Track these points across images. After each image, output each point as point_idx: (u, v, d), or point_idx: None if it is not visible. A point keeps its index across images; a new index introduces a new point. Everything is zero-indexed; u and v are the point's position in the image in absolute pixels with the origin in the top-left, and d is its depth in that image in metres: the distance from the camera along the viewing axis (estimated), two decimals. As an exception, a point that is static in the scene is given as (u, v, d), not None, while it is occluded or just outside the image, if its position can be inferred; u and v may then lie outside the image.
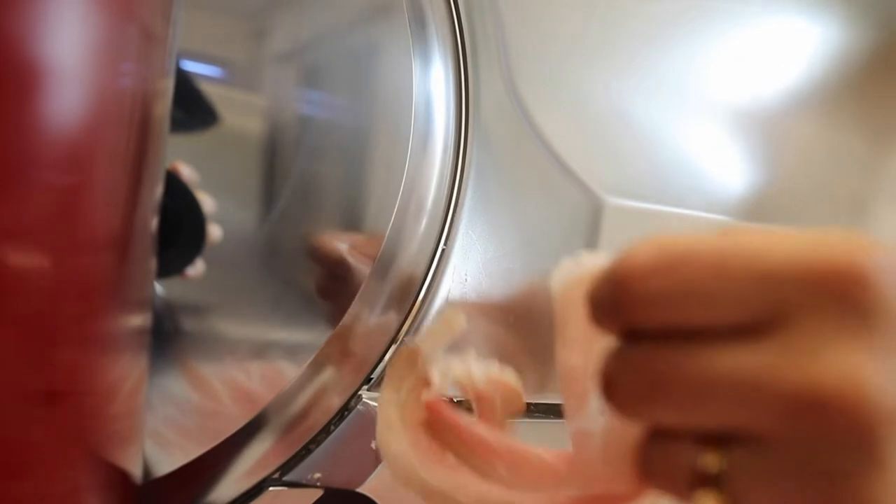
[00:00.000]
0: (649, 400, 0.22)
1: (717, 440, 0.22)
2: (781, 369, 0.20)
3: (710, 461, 0.21)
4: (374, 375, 0.47)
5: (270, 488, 0.46)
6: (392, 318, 0.47)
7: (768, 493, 0.21)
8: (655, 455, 0.23)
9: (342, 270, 0.45)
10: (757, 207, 0.55)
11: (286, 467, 0.46)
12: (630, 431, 0.26)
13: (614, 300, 0.23)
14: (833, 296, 0.20)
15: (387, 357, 0.48)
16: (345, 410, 0.47)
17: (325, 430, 0.47)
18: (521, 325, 0.50)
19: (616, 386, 0.23)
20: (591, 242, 0.50)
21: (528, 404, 0.51)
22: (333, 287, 0.45)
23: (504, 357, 0.49)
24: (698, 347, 0.21)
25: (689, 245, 0.22)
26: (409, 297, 0.48)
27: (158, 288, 0.43)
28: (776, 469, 0.21)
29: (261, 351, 0.45)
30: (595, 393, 0.27)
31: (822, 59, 0.60)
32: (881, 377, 0.20)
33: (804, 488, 0.20)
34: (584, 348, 0.27)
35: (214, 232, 0.44)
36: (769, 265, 0.21)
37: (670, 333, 0.22)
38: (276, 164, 0.45)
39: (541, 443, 0.51)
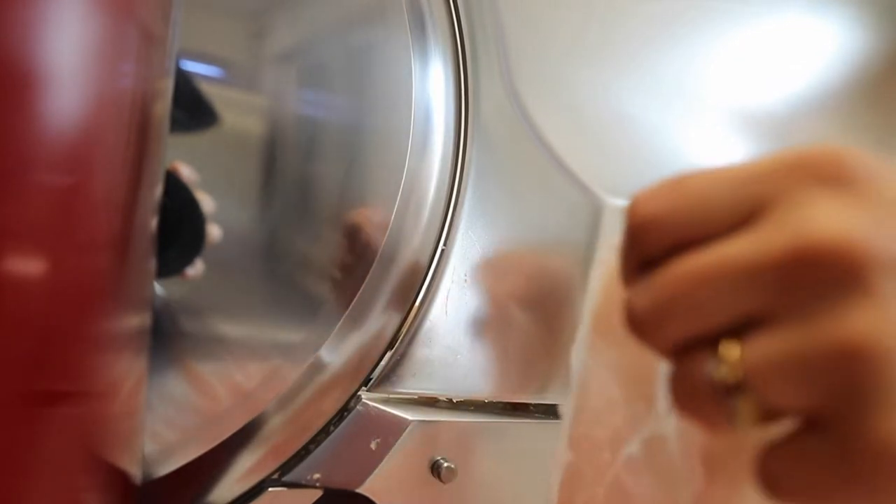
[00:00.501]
0: (664, 314, 0.23)
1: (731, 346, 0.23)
2: (771, 241, 0.22)
3: (728, 366, 0.22)
4: (374, 376, 0.47)
5: (270, 489, 0.46)
6: (391, 318, 0.47)
7: (786, 372, 0.21)
8: (681, 381, 0.24)
9: (360, 245, 0.45)
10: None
11: (286, 468, 0.46)
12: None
13: (628, 236, 0.25)
14: (812, 175, 0.22)
15: (385, 358, 0.48)
16: (344, 411, 0.47)
17: (325, 431, 0.47)
18: (534, 309, 0.50)
19: (634, 312, 0.24)
20: (591, 243, 0.50)
21: (528, 405, 0.51)
22: (349, 265, 0.45)
23: (518, 340, 0.49)
24: (698, 252, 0.23)
25: (683, 175, 0.24)
26: (408, 298, 0.48)
27: (158, 288, 0.43)
28: (787, 342, 0.21)
29: (260, 351, 0.45)
30: (661, 391, 0.27)
31: (833, 61, 0.60)
32: (865, 223, 0.21)
33: (814, 347, 0.21)
34: (635, 344, 0.27)
35: (214, 232, 0.44)
36: (752, 168, 0.23)
37: (678, 251, 0.24)
38: (276, 164, 0.45)
39: (539, 443, 0.51)
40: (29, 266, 0.30)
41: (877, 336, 0.20)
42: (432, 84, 0.48)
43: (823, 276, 0.21)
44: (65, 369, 0.32)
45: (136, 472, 0.40)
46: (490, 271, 0.49)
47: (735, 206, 0.23)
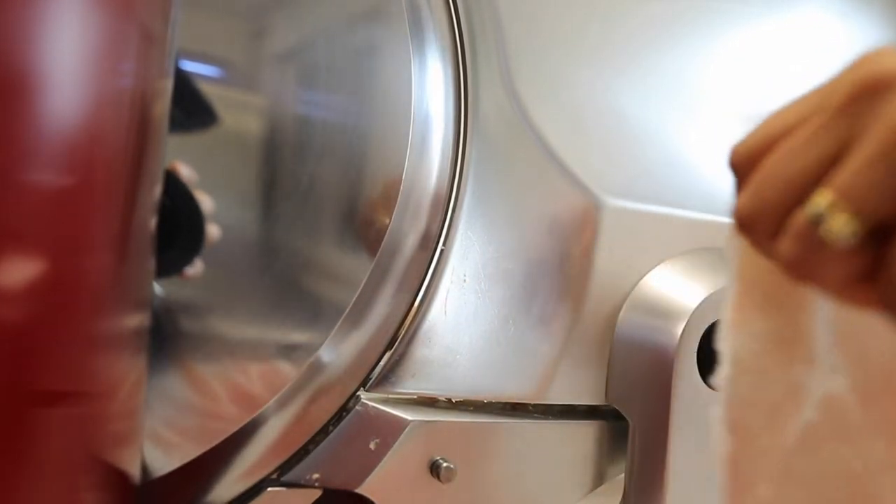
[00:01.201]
0: (761, 197, 0.26)
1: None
2: (836, 95, 0.25)
3: (824, 204, 0.24)
4: (373, 376, 0.47)
5: (269, 489, 0.46)
6: (390, 318, 0.47)
7: (871, 175, 0.24)
8: (792, 249, 0.25)
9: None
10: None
11: (285, 468, 0.46)
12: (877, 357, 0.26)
13: (734, 178, 0.28)
14: (867, 60, 0.25)
15: (384, 358, 0.48)
16: (343, 411, 0.47)
17: (324, 431, 0.47)
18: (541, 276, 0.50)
19: (739, 212, 0.27)
20: (590, 243, 0.50)
21: (527, 405, 0.51)
22: (348, 265, 0.46)
23: (518, 340, 0.49)
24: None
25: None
26: (407, 298, 0.48)
27: (158, 288, 0.43)
28: (864, 152, 0.24)
29: (259, 351, 0.45)
30: (822, 346, 0.27)
31: (835, 61, 0.60)
32: None
33: (883, 140, 0.24)
34: (783, 307, 0.27)
35: (213, 232, 0.44)
36: (823, 83, 0.27)
37: None
38: (275, 163, 0.45)
39: (538, 443, 0.51)
40: (29, 265, 0.30)
41: None
42: (432, 84, 0.48)
43: (883, 91, 0.24)
44: (64, 369, 0.32)
45: (135, 472, 0.40)
46: None
47: (808, 114, 0.26)
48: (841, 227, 0.24)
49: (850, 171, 0.24)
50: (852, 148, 0.24)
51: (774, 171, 0.26)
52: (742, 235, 0.27)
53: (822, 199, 0.24)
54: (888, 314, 0.24)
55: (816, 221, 0.24)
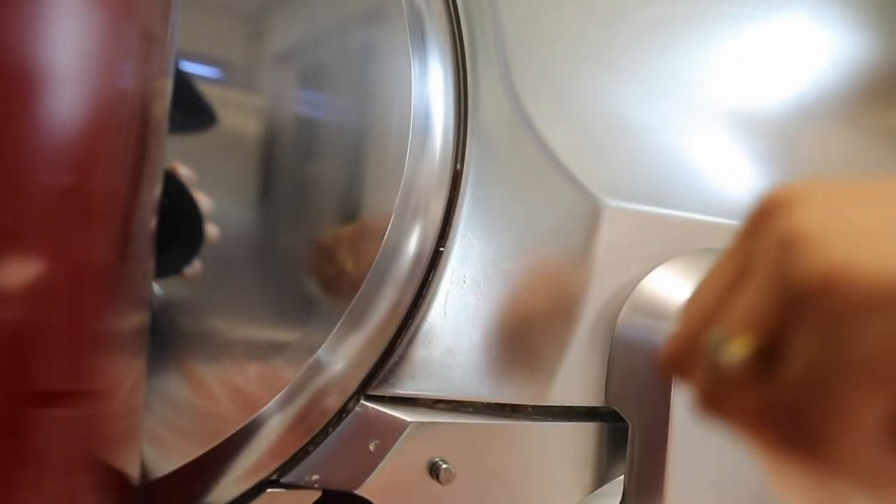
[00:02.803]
0: (679, 329, 0.27)
1: None
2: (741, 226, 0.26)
3: (721, 335, 0.25)
4: (373, 377, 0.47)
5: (268, 490, 0.46)
6: (390, 319, 0.47)
7: (754, 297, 0.24)
8: (697, 373, 0.26)
9: (340, 262, 0.46)
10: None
11: (284, 469, 0.46)
12: None
13: None
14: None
15: (384, 359, 0.48)
16: (343, 412, 0.47)
17: (324, 432, 0.47)
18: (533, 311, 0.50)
19: (664, 356, 0.27)
20: (590, 245, 0.50)
21: (527, 406, 0.51)
22: (335, 279, 0.46)
23: (518, 341, 0.49)
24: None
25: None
26: (407, 299, 0.48)
27: (157, 288, 0.43)
28: (753, 276, 0.24)
29: (259, 352, 0.45)
30: None
31: (835, 62, 0.60)
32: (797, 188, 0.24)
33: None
34: None
35: (212, 232, 0.44)
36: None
37: None
38: (274, 164, 0.45)
39: (538, 445, 0.51)
40: (29, 265, 0.30)
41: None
42: (431, 85, 0.48)
43: (773, 212, 0.24)
44: (64, 369, 0.32)
45: (134, 473, 0.40)
46: None
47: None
48: (734, 350, 0.24)
49: (741, 295, 0.24)
50: (746, 273, 0.25)
51: (687, 313, 0.26)
52: (672, 379, 0.27)
53: (719, 328, 0.24)
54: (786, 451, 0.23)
55: (716, 349, 0.24)
